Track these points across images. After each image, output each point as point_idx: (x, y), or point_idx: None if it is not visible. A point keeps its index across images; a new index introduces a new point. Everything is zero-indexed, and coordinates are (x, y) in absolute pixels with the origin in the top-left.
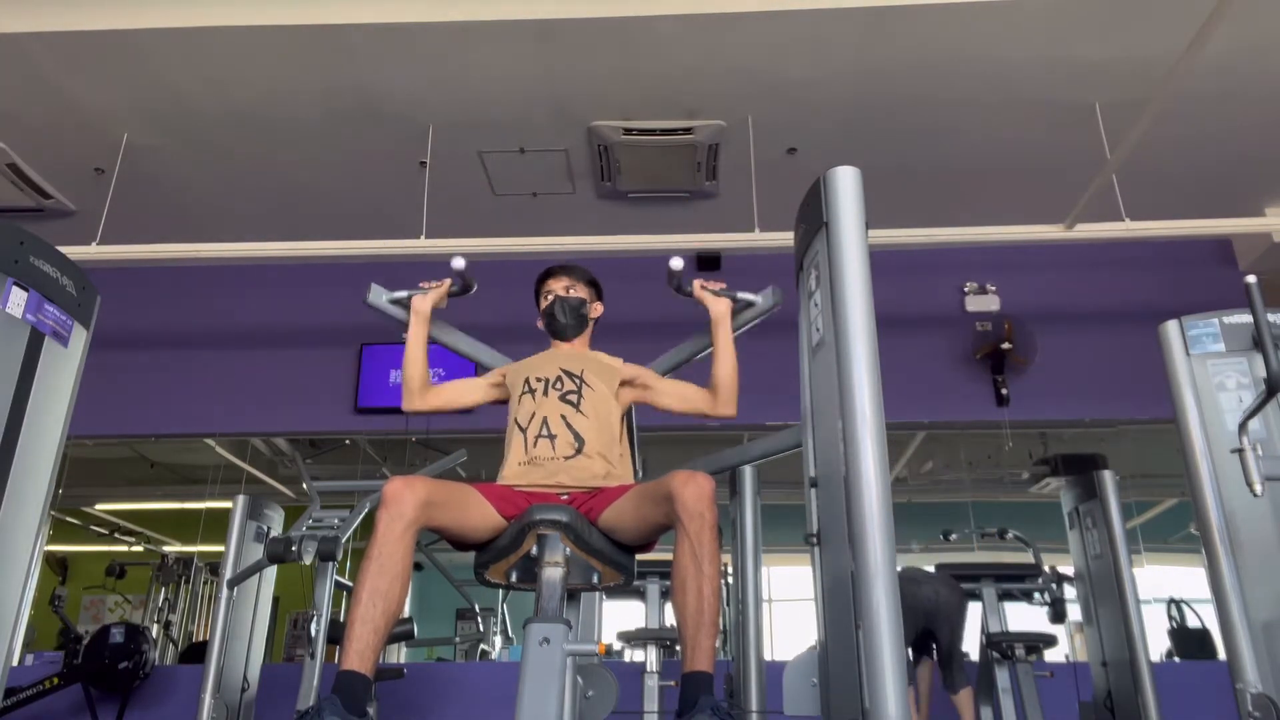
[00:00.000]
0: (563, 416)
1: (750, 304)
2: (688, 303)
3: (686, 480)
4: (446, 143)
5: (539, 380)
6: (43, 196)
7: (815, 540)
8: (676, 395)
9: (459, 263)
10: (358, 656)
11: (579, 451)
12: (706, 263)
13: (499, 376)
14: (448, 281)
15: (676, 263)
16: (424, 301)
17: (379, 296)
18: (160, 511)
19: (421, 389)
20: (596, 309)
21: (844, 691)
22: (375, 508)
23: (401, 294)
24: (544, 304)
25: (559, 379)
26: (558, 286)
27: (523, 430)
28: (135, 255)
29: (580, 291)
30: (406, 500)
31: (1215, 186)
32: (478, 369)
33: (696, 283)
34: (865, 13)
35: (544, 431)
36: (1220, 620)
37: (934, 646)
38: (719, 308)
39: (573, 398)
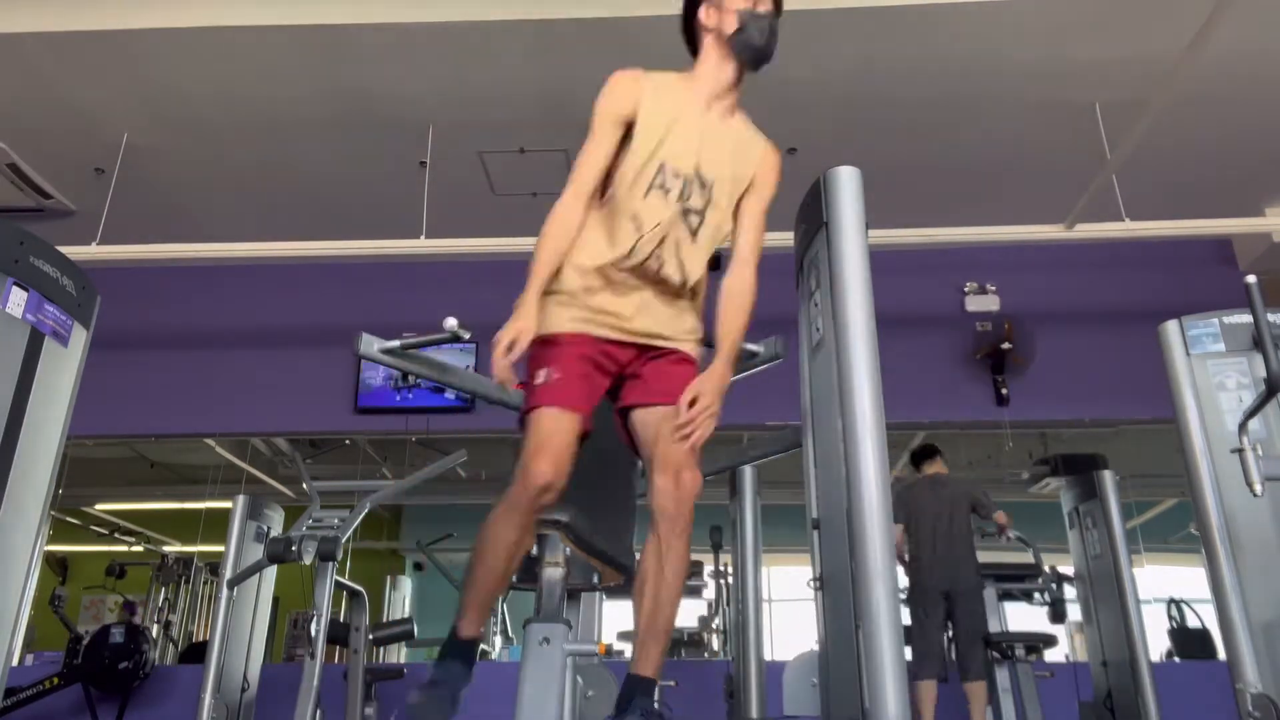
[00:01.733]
0: (677, 243)
1: (753, 355)
2: None
3: (668, 473)
4: (446, 143)
5: (676, 177)
6: (43, 196)
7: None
8: (743, 248)
9: (451, 322)
10: (478, 618)
11: (679, 295)
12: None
13: (626, 111)
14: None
15: None
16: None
17: (370, 346)
18: (160, 511)
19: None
20: None
21: (844, 691)
22: (520, 479)
23: (394, 343)
24: (740, 22)
25: (690, 185)
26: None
27: (639, 233)
28: (135, 255)
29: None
30: (556, 488)
31: (1215, 186)
32: (474, 402)
33: None
34: (865, 13)
35: (655, 258)
36: (1220, 620)
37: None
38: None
39: (694, 220)
